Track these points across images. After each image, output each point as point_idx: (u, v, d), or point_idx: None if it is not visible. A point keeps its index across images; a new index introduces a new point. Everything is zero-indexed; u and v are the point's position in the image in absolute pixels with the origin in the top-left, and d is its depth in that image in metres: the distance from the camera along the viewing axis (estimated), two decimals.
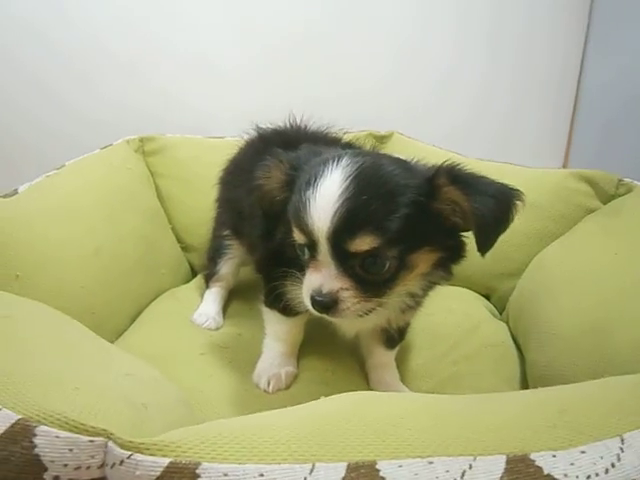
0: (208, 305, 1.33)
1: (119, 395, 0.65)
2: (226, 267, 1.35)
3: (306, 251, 0.84)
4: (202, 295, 1.39)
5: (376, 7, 1.93)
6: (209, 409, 1.01)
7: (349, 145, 1.20)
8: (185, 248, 1.61)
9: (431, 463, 0.58)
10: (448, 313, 1.32)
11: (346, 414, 0.63)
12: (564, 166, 2.11)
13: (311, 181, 0.80)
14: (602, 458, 0.60)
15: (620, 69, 1.82)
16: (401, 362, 1.17)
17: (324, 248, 0.80)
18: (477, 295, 1.49)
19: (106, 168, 1.41)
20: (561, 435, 0.62)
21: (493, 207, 0.78)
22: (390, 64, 1.99)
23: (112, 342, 1.22)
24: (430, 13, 1.96)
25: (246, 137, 1.32)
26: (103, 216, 1.27)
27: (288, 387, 1.09)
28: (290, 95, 1.55)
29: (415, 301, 0.97)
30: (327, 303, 0.82)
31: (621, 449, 0.61)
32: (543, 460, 0.60)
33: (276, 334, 1.11)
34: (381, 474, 0.54)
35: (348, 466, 0.54)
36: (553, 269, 1.22)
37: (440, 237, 0.84)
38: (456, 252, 0.88)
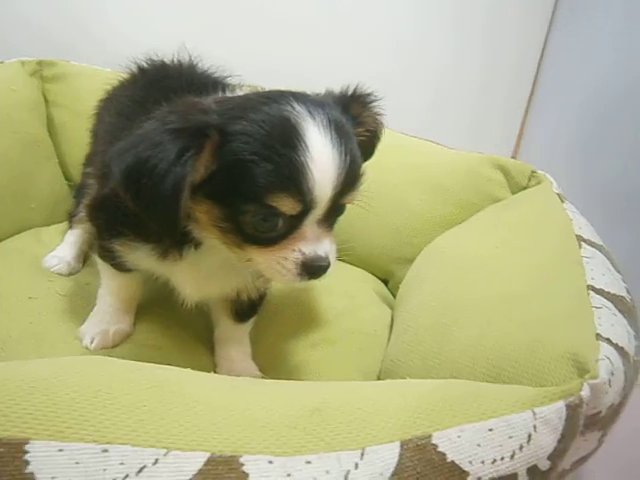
0: (65, 247, 1.20)
1: None
2: None
3: (282, 222, 0.70)
4: None
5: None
6: (14, 358, 0.90)
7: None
8: (73, 187, 1.47)
9: (106, 451, 0.47)
10: (325, 292, 1.20)
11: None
12: (514, 157, 1.98)
13: (289, 142, 0.67)
14: (328, 473, 0.50)
15: (577, 70, 1.71)
16: (253, 339, 1.06)
17: (320, 210, 0.71)
18: (373, 278, 1.37)
19: None
20: (293, 440, 0.52)
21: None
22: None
23: None
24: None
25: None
26: None
27: (115, 346, 0.98)
28: (208, 38, 1.41)
29: None
30: (327, 266, 0.73)
31: (356, 465, 0.50)
32: (254, 466, 0.49)
33: (109, 287, 1.00)
34: None
35: None
36: (435, 258, 1.11)
37: None
38: None
